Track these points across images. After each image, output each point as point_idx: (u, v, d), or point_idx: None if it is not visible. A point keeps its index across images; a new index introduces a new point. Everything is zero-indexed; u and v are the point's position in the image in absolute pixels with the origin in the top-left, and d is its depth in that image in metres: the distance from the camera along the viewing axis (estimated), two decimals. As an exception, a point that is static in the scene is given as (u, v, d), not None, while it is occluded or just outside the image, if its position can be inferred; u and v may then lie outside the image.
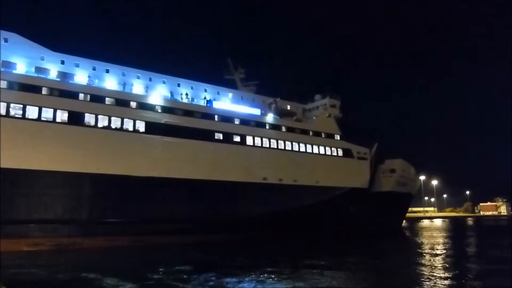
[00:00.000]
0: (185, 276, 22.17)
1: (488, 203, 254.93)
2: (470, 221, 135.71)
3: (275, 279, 21.53)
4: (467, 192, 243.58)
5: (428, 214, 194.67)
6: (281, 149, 52.66)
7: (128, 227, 39.73)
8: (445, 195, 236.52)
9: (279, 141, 52.69)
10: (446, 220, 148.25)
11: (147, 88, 46.06)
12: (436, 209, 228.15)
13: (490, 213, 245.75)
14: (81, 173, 38.13)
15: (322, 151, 56.96)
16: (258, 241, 44.08)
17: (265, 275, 22.52)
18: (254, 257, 32.62)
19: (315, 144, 56.35)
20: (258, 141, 50.68)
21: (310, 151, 55.69)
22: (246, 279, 21.74)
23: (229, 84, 59.04)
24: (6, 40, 39.90)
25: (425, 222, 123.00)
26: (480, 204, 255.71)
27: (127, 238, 39.19)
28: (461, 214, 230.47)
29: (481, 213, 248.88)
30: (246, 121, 50.51)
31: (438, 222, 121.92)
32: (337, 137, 59.94)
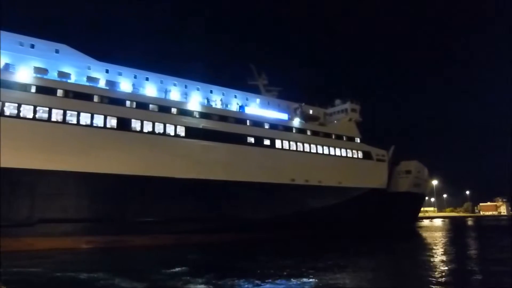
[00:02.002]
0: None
1: (488, 203, 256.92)
2: (470, 221, 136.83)
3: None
4: (467, 192, 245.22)
5: (428, 214, 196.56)
6: (306, 152, 55.54)
7: (172, 225, 42.28)
8: (445, 195, 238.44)
9: (305, 144, 55.60)
10: (446, 220, 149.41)
11: (185, 95, 48.83)
12: (436, 209, 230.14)
13: (490, 213, 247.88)
14: (129, 176, 40.71)
15: (344, 153, 59.92)
16: (293, 240, 46.82)
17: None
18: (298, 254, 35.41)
19: (338, 147, 59.28)
20: (286, 144, 53.52)
21: (333, 154, 58.61)
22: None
23: (250, 89, 61.73)
24: (57, 51, 42.64)
25: (425, 222, 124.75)
26: (480, 204, 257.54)
27: (170, 236, 41.84)
28: (461, 214, 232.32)
29: (481, 213, 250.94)
30: (275, 125, 53.41)
31: (438, 222, 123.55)
32: (358, 140, 63.01)
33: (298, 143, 54.89)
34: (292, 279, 22.10)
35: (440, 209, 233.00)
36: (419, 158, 71.03)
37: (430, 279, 22.22)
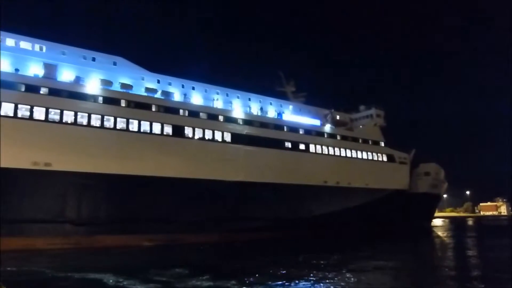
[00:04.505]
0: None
1: (488, 203, 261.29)
2: (470, 221, 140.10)
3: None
4: (467, 192, 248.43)
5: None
6: (337, 155, 59.19)
7: (220, 225, 45.63)
8: (445, 195, 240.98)
9: (335, 148, 59.26)
10: (446, 220, 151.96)
11: (230, 103, 52.33)
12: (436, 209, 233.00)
13: (490, 213, 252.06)
14: (183, 178, 44.00)
15: (370, 156, 63.68)
16: (328, 237, 50.42)
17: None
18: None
19: (364, 151, 63.03)
20: (319, 148, 57.16)
21: (360, 157, 62.31)
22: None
23: (275, 95, 64.98)
24: (115, 63, 45.98)
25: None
26: (480, 204, 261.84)
27: (220, 234, 45.17)
28: (461, 214, 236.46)
29: (481, 213, 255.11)
30: (308, 131, 57.13)
31: (438, 222, 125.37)
32: (382, 143, 66.81)
33: (330, 147, 58.55)
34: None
35: (440, 209, 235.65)
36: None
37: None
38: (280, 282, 21.27)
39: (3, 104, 35.78)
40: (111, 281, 21.39)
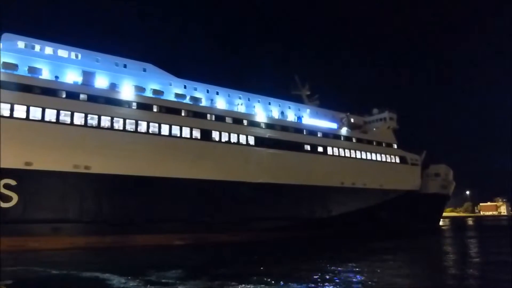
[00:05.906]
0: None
1: (488, 203, 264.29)
2: (470, 221, 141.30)
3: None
4: (467, 192, 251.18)
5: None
6: (353, 157, 61.21)
7: (244, 225, 47.45)
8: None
9: (351, 151, 61.28)
10: (447, 220, 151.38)
11: (251, 107, 54.31)
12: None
13: (490, 213, 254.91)
14: (211, 180, 45.81)
15: (384, 158, 65.76)
16: (345, 237, 52.41)
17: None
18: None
19: (378, 153, 65.08)
20: (336, 151, 59.14)
21: (375, 159, 64.35)
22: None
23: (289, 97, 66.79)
24: (144, 70, 47.77)
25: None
26: (480, 204, 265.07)
27: (245, 234, 46.97)
28: (461, 214, 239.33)
29: (481, 213, 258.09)
30: (326, 134, 59.16)
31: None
32: (395, 146, 68.92)
33: (346, 150, 60.56)
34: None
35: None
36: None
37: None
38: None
39: (47, 110, 37.58)
40: (116, 280, 21.67)
